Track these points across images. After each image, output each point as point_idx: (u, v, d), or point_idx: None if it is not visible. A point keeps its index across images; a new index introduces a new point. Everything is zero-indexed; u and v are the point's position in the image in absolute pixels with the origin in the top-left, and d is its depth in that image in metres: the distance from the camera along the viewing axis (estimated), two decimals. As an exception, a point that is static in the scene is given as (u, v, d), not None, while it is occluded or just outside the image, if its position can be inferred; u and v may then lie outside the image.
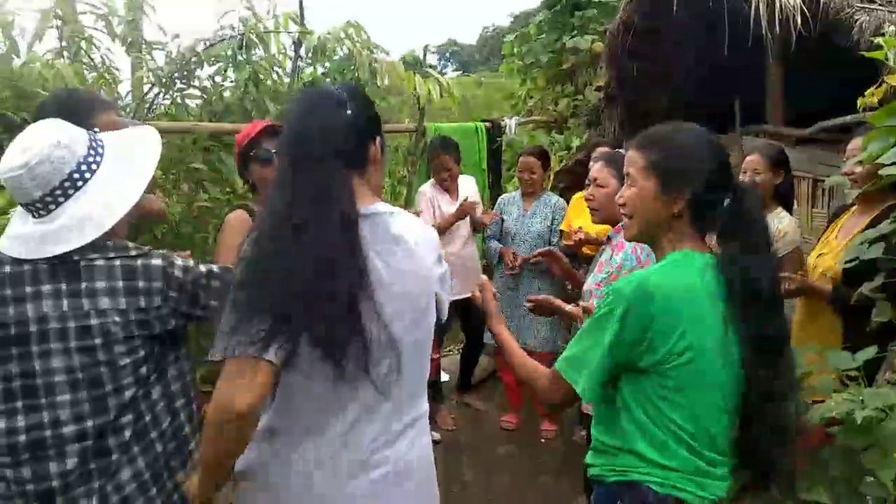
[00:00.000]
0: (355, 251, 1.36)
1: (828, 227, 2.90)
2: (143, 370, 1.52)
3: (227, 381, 1.27)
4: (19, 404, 1.44)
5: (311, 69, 3.98)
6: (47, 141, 1.45)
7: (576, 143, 5.74)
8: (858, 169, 2.54)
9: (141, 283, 1.49)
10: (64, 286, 1.44)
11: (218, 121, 3.60)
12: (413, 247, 1.48)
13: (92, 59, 3.30)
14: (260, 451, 1.47)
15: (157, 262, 1.52)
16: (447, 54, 46.15)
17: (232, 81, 3.73)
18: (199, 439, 1.60)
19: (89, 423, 1.46)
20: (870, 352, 1.99)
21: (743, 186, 1.64)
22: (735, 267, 1.52)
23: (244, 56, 3.50)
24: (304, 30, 3.59)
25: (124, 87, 3.66)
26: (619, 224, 2.51)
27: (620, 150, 2.66)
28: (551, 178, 5.22)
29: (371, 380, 1.40)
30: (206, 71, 3.67)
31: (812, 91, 4.34)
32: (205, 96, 3.67)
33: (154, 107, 3.61)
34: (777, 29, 3.70)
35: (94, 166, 1.50)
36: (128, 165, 1.56)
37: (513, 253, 4.07)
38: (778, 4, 3.67)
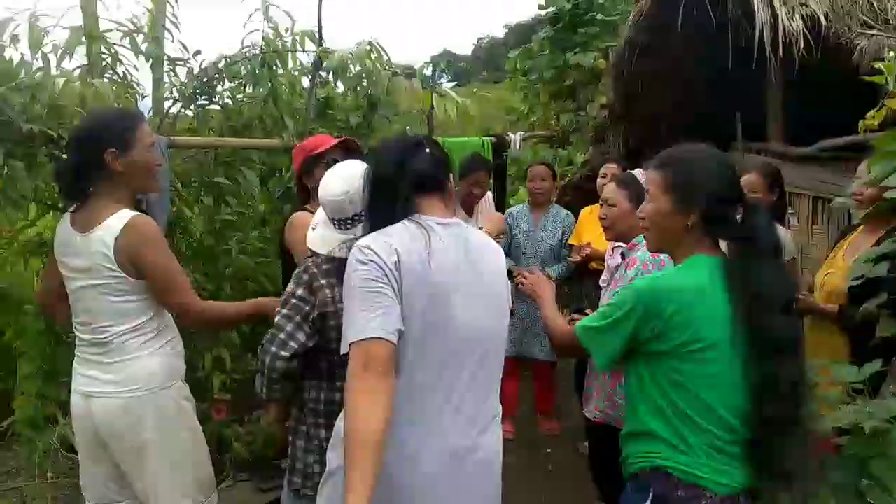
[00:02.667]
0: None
1: (834, 246, 3.01)
2: None
3: None
4: None
5: (328, 86, 4.08)
6: (360, 177, 1.88)
7: (579, 158, 5.87)
8: (866, 191, 2.65)
9: None
10: None
11: (237, 135, 3.69)
12: (491, 252, 1.82)
13: (118, 75, 3.39)
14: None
15: None
16: (442, 66, 46.39)
17: (251, 98, 3.82)
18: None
19: None
20: (875, 365, 2.09)
21: (752, 201, 1.81)
22: (740, 270, 1.70)
23: (264, 73, 3.59)
24: (324, 50, 3.69)
25: (145, 103, 3.75)
26: (632, 241, 2.68)
27: (631, 171, 2.79)
28: (556, 192, 5.33)
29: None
30: (227, 86, 3.76)
31: (813, 110, 4.46)
32: (225, 112, 3.76)
33: (175, 121, 3.70)
34: (780, 51, 3.82)
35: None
36: None
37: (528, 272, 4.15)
38: (781, 28, 3.79)
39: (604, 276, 3.02)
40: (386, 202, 1.70)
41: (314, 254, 2.13)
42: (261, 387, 2.08)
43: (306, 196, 2.78)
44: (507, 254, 4.33)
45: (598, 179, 3.97)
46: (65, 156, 2.28)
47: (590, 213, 4.07)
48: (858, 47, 3.63)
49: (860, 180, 2.70)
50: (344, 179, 2.06)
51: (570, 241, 4.15)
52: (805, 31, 3.80)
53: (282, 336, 2.02)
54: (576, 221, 4.28)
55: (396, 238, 1.63)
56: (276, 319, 2.07)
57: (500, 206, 5.51)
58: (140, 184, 2.24)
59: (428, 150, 1.76)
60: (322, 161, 2.62)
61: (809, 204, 4.36)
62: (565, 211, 4.32)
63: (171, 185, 3.32)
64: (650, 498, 1.70)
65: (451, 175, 1.83)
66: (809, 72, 4.02)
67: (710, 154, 1.82)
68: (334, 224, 2.11)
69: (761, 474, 1.67)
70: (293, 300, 2.06)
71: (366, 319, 1.53)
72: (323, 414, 2.11)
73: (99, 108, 2.41)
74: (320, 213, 2.18)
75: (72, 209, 2.20)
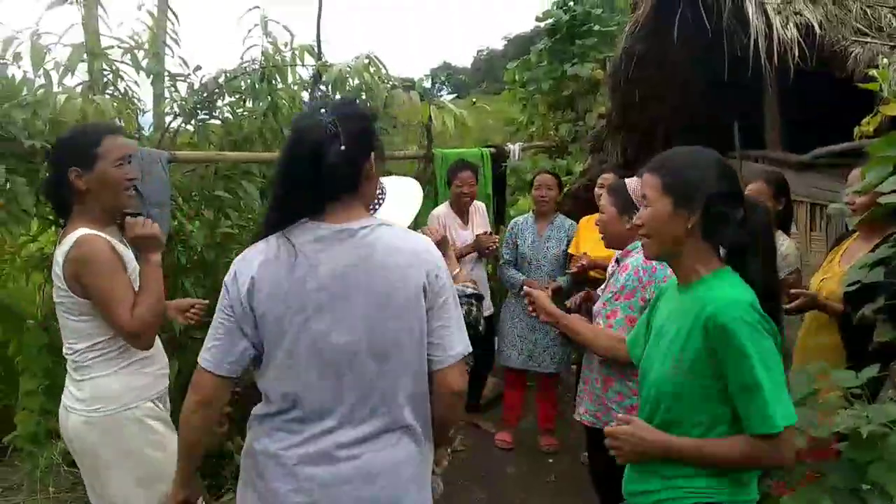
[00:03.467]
0: None
1: (829, 252, 3.02)
2: None
3: None
4: None
5: (327, 99, 4.11)
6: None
7: (578, 168, 5.89)
8: (859, 199, 2.66)
9: None
10: None
11: (237, 149, 3.72)
12: (399, 257, 1.60)
13: (119, 91, 3.42)
14: None
15: None
16: (442, 78, 46.60)
17: (250, 112, 3.85)
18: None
19: None
20: (873, 370, 2.10)
21: (752, 202, 1.76)
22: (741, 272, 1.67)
23: (264, 87, 3.63)
24: (322, 64, 3.73)
25: (146, 118, 3.79)
26: (626, 248, 2.70)
27: (624, 180, 2.82)
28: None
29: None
30: (227, 101, 3.80)
31: (810, 117, 4.49)
32: (225, 126, 3.80)
33: (176, 136, 3.73)
34: (775, 60, 3.85)
35: (379, 203, 2.12)
36: (400, 203, 2.18)
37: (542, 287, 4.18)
38: (776, 37, 3.82)
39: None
40: (284, 209, 1.61)
41: None
42: None
43: None
44: (514, 265, 4.35)
45: (596, 189, 3.99)
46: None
47: (587, 223, 4.09)
48: (853, 55, 3.65)
49: (852, 188, 2.71)
50: None
51: (570, 251, 4.16)
52: (799, 39, 3.82)
53: None
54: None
55: (258, 261, 1.58)
56: None
57: (501, 216, 5.55)
58: (110, 201, 2.15)
59: (342, 136, 1.54)
60: None
61: (807, 211, 4.37)
62: (569, 220, 4.34)
63: (172, 198, 3.34)
64: None
65: (374, 148, 1.65)
66: (805, 79, 4.05)
67: (708, 155, 1.76)
68: None
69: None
70: None
71: (205, 347, 1.64)
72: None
73: (71, 126, 2.40)
74: None
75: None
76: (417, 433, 1.66)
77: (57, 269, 2.10)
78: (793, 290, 2.73)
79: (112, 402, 2.14)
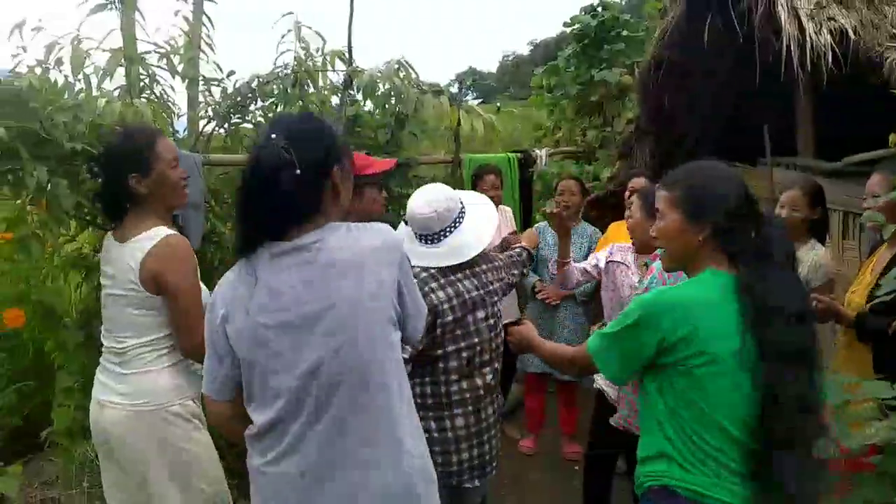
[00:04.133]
0: None
1: (862, 264, 2.98)
2: None
3: None
4: None
5: (356, 104, 4.15)
6: (444, 198, 2.37)
7: (605, 173, 5.87)
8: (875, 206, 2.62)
9: None
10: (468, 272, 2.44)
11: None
12: (341, 270, 1.56)
13: (155, 95, 3.49)
14: None
15: None
16: (468, 84, 46.71)
17: (282, 115, 3.91)
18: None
19: None
20: (908, 381, 2.07)
21: (767, 215, 1.82)
22: (750, 281, 1.69)
23: (296, 92, 3.68)
24: (354, 69, 3.77)
25: (181, 122, 3.86)
26: (655, 253, 2.72)
27: (654, 185, 2.84)
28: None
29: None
30: (259, 105, 3.86)
31: (844, 124, 4.42)
32: (257, 129, 3.85)
33: (210, 140, 3.79)
34: (808, 66, 3.80)
35: (461, 217, 2.42)
36: (480, 218, 2.47)
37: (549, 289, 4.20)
38: (809, 43, 3.78)
39: (632, 288, 3.06)
40: (248, 237, 1.58)
41: None
42: None
43: (343, 215, 2.72)
44: (534, 269, 4.35)
45: (626, 194, 3.98)
46: (98, 179, 2.34)
47: (616, 229, 4.08)
48: (888, 60, 3.59)
49: (877, 197, 2.67)
50: (431, 200, 2.36)
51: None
52: (833, 45, 3.77)
53: None
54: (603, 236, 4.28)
55: (227, 288, 1.61)
56: None
57: (527, 221, 5.54)
58: (169, 200, 2.27)
59: (296, 161, 1.50)
60: (372, 181, 2.56)
61: (840, 219, 4.30)
62: (592, 227, 4.33)
63: (206, 201, 3.40)
64: None
65: (338, 162, 1.62)
66: (839, 86, 3.99)
67: (720, 169, 1.84)
68: (419, 239, 2.40)
69: (764, 494, 1.66)
70: None
71: (203, 372, 1.73)
72: (431, 407, 2.36)
73: (116, 131, 2.45)
74: (404, 229, 2.47)
75: (113, 227, 2.28)
76: None
77: (132, 262, 2.13)
78: (813, 295, 2.64)
79: (159, 397, 2.18)
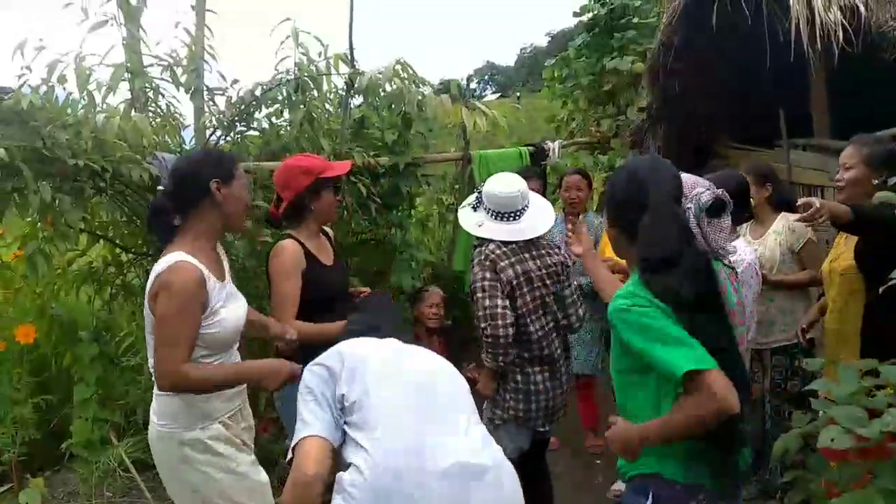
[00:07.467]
0: None
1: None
2: None
3: None
4: None
5: (361, 105, 4.15)
6: (518, 180, 2.86)
7: (619, 163, 5.79)
8: (846, 175, 2.66)
9: None
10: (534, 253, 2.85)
11: (275, 159, 3.79)
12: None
13: (159, 107, 3.53)
14: None
15: None
16: (486, 77, 46.52)
17: (286, 121, 3.91)
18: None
19: None
20: (922, 365, 2.00)
21: (654, 203, 1.78)
22: (650, 278, 1.73)
23: (299, 97, 3.68)
24: (355, 71, 3.76)
25: (187, 132, 3.89)
26: None
27: None
28: (595, 199, 5.28)
29: None
30: (264, 112, 3.87)
31: (858, 102, 4.31)
32: (262, 136, 3.87)
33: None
34: (819, 45, 3.70)
35: (528, 199, 2.88)
36: (538, 198, 2.99)
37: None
38: (819, 20, 3.68)
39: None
40: None
41: (482, 242, 2.81)
42: (494, 356, 2.66)
43: (299, 217, 2.74)
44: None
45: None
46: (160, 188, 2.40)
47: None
48: (901, 36, 3.50)
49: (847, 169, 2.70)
50: (510, 181, 2.83)
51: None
52: (843, 21, 3.66)
53: (498, 311, 2.60)
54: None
55: None
56: (481, 302, 2.63)
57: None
58: (234, 219, 2.29)
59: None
60: (331, 184, 2.75)
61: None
62: (599, 219, 4.27)
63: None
64: (650, 499, 1.78)
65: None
66: (853, 64, 3.89)
67: (627, 165, 2.04)
68: (499, 217, 2.78)
69: (714, 471, 1.73)
70: (486, 283, 2.65)
71: None
72: (518, 364, 2.76)
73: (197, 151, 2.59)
74: (478, 215, 2.85)
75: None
76: None
77: (148, 285, 2.15)
78: (805, 199, 2.52)
79: (175, 420, 2.18)
